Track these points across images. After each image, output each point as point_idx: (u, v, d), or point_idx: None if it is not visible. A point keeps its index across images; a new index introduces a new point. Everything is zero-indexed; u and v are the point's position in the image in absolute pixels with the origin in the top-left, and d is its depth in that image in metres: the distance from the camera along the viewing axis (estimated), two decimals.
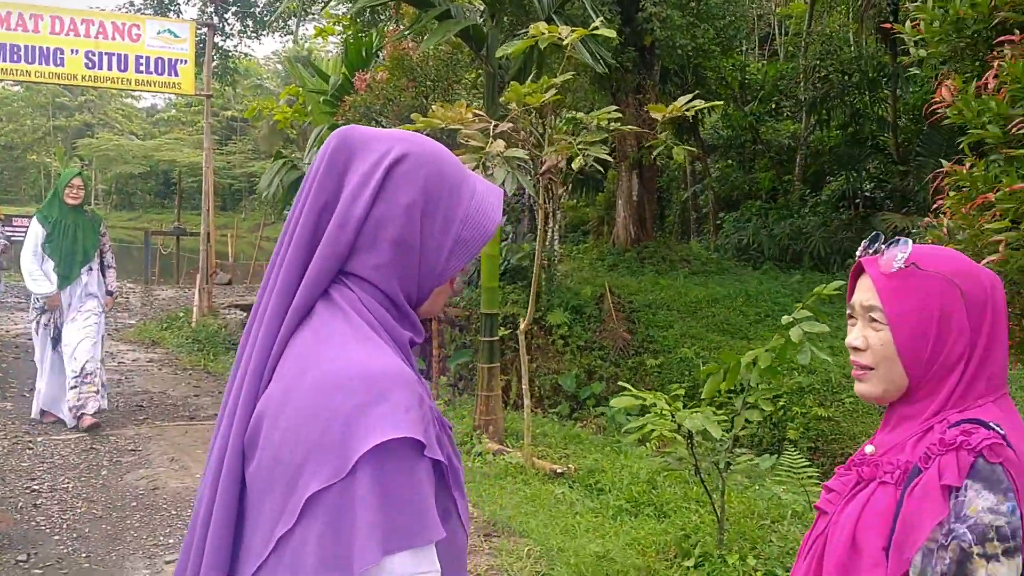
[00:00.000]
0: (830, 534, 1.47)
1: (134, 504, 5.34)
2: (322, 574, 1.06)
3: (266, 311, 1.20)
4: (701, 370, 4.44)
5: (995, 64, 2.98)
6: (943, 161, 3.34)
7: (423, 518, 1.10)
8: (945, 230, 3.19)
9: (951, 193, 3.23)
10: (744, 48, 21.12)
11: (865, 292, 1.51)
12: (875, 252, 1.52)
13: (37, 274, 6.85)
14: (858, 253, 1.55)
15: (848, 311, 1.58)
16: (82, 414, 6.88)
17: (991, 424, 1.36)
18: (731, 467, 4.56)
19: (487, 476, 5.99)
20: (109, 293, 7.45)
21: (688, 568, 4.29)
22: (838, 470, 1.57)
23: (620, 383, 4.97)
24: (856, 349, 1.52)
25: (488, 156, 5.23)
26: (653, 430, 4.32)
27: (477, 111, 5.70)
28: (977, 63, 3.40)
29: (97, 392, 6.95)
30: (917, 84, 16.15)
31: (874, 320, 1.48)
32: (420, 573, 1.10)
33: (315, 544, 1.07)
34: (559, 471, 6.02)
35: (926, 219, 3.52)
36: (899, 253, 1.46)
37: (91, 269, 7.09)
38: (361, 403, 1.09)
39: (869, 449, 1.52)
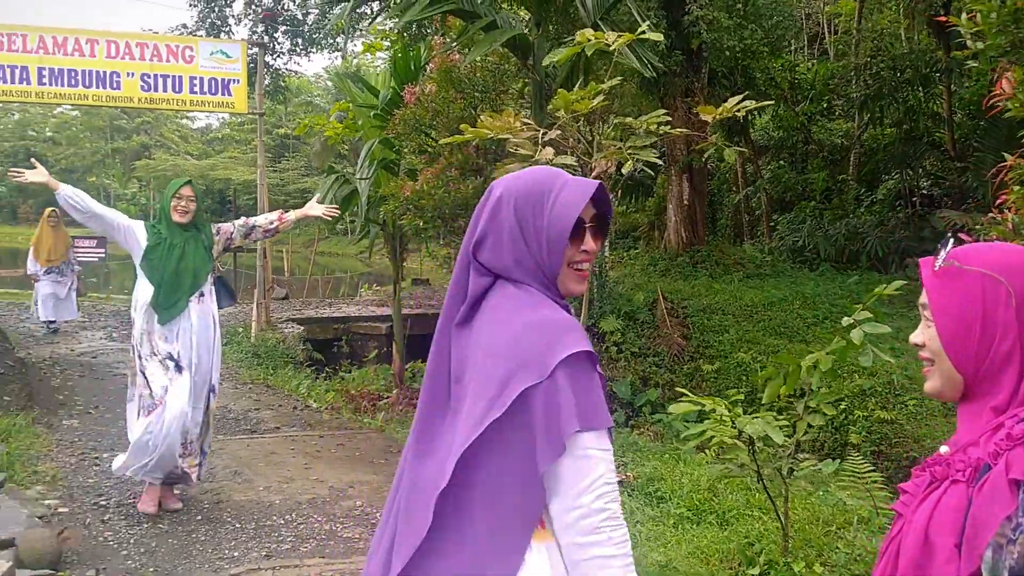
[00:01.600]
0: (904, 534, 1.48)
1: (199, 518, 5.43)
2: (539, 439, 1.57)
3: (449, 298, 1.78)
4: (760, 374, 4.38)
5: None
6: (1006, 155, 3.25)
7: (602, 409, 1.60)
8: (1010, 225, 3.11)
9: (1015, 188, 3.14)
10: (793, 48, 20.84)
11: (923, 291, 1.56)
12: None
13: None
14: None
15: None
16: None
17: None
18: (794, 473, 4.49)
19: None
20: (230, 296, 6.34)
21: None
22: (914, 472, 1.57)
23: (678, 389, 4.92)
24: (916, 345, 1.57)
25: (537, 164, 5.22)
26: (713, 437, 4.28)
27: (525, 120, 5.71)
28: None
29: (199, 465, 5.55)
30: (972, 78, 15.78)
31: (927, 317, 1.53)
32: (602, 449, 1.60)
33: (524, 426, 1.58)
34: (618, 479, 5.97)
35: (989, 215, 3.44)
36: (942, 251, 1.51)
37: (202, 295, 5.50)
38: (554, 334, 1.61)
39: (943, 449, 1.52)
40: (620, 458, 6.94)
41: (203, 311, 5.49)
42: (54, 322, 12.76)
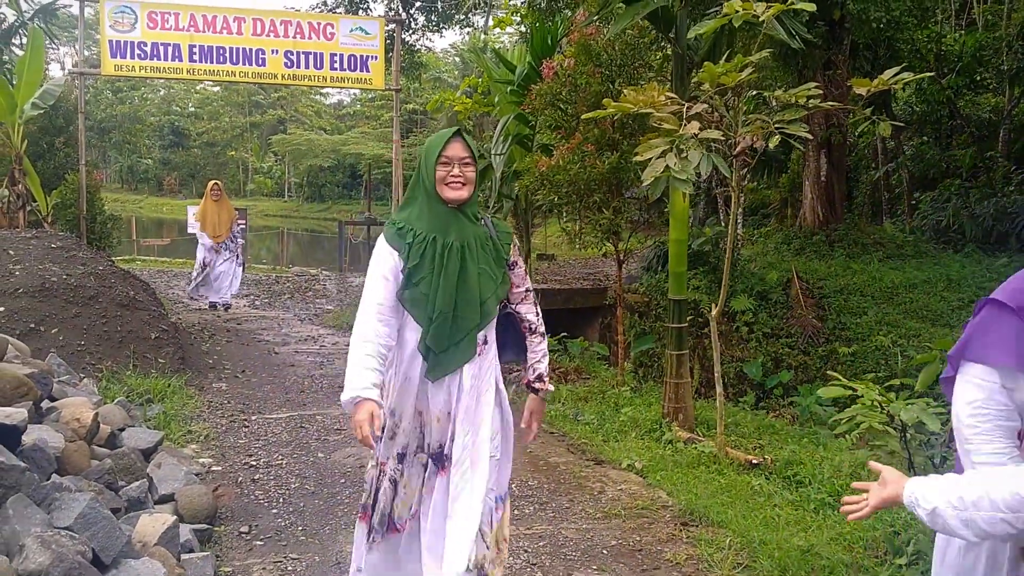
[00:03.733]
0: None
1: (343, 480, 5.63)
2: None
3: None
4: (916, 358, 4.22)
5: None
6: None
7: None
8: None
9: None
10: (940, 18, 19.81)
11: None
12: None
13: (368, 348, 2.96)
14: None
15: None
16: None
17: None
18: (947, 462, 4.32)
19: (679, 464, 5.93)
20: None
21: (901, 566, 4.09)
22: None
23: (826, 372, 4.79)
24: None
25: (682, 139, 5.15)
26: (862, 422, 4.15)
27: (669, 94, 5.63)
28: None
29: None
30: None
31: None
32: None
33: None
34: (755, 462, 5.88)
35: None
36: None
37: (486, 341, 3.15)
38: None
39: None
40: (757, 440, 6.83)
41: (480, 369, 3.15)
42: (227, 303, 12.71)
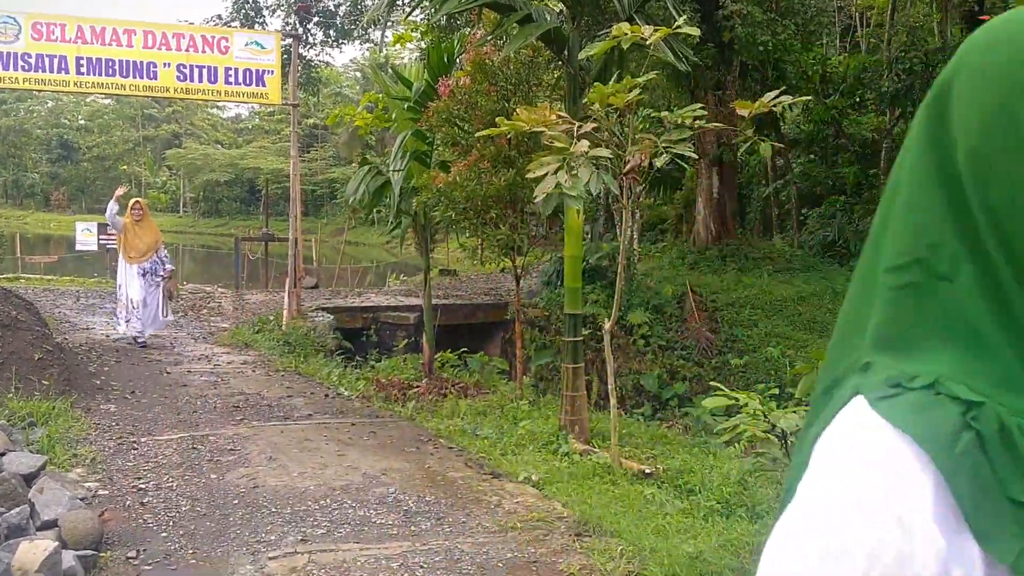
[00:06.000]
0: None
1: (236, 502, 5.53)
2: None
3: None
4: (794, 368, 4.41)
5: None
6: None
7: None
8: None
9: None
10: (825, 41, 20.72)
11: None
12: None
13: None
14: None
15: None
16: None
17: None
18: None
19: (575, 476, 6.03)
20: None
21: None
22: None
23: (712, 383, 4.96)
24: None
25: (573, 157, 5.27)
26: (745, 431, 4.32)
27: (560, 113, 5.76)
28: None
29: None
30: None
31: None
32: None
33: None
34: (647, 471, 6.03)
35: None
36: None
37: None
38: None
39: None
40: (650, 450, 6.99)
41: None
42: (142, 338, 10.88)
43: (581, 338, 7.26)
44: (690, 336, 12.51)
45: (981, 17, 6.24)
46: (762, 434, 4.28)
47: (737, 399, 4.28)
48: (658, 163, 5.58)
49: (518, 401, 8.32)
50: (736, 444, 6.97)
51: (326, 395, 9.00)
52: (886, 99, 17.54)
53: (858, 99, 18.74)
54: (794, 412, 4.16)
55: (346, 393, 9.16)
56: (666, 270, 15.16)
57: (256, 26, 21.78)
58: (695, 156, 5.85)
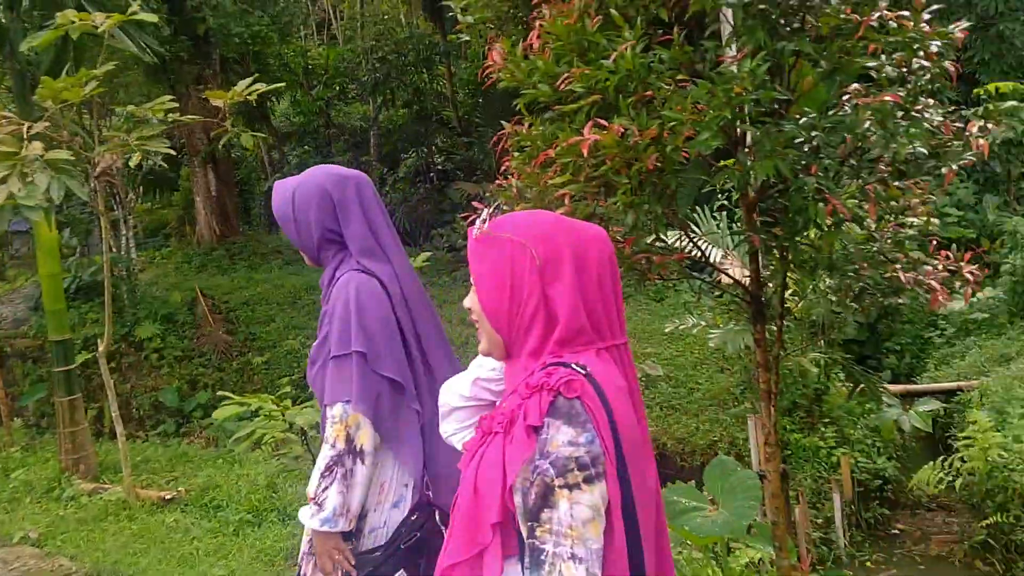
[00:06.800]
0: (460, 487, 1.50)
1: None
2: None
3: None
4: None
5: (537, 24, 3.11)
6: (504, 124, 3.44)
7: None
8: (515, 190, 3.29)
9: (515, 154, 3.34)
10: (304, 34, 21.03)
11: None
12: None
13: None
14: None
15: None
16: None
17: (573, 364, 1.42)
18: None
19: (84, 522, 5.33)
20: None
21: None
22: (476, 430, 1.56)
23: (220, 392, 4.65)
24: (467, 309, 1.60)
25: (25, 161, 4.58)
26: (265, 434, 4.11)
27: (5, 113, 4.98)
28: (520, 26, 3.55)
29: None
30: (469, 59, 17.15)
31: (472, 283, 1.58)
32: None
33: None
34: (168, 497, 5.55)
35: (496, 183, 3.62)
36: (479, 221, 1.56)
37: None
38: None
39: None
40: (170, 473, 6.45)
41: None
42: None
43: (73, 366, 6.46)
44: (207, 342, 11.94)
45: (441, 3, 6.66)
46: (281, 434, 4.10)
47: (249, 404, 4.04)
48: (132, 163, 5.09)
49: (8, 449, 7.21)
50: (264, 447, 6.73)
51: None
52: (368, 88, 18.31)
53: (341, 89, 19.31)
54: (310, 407, 4.04)
55: None
56: (172, 276, 14.27)
57: None
58: (173, 152, 5.44)
